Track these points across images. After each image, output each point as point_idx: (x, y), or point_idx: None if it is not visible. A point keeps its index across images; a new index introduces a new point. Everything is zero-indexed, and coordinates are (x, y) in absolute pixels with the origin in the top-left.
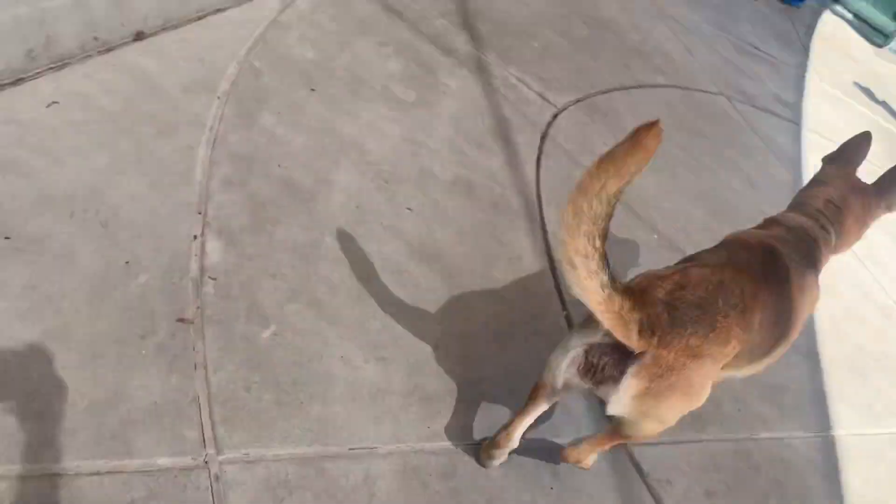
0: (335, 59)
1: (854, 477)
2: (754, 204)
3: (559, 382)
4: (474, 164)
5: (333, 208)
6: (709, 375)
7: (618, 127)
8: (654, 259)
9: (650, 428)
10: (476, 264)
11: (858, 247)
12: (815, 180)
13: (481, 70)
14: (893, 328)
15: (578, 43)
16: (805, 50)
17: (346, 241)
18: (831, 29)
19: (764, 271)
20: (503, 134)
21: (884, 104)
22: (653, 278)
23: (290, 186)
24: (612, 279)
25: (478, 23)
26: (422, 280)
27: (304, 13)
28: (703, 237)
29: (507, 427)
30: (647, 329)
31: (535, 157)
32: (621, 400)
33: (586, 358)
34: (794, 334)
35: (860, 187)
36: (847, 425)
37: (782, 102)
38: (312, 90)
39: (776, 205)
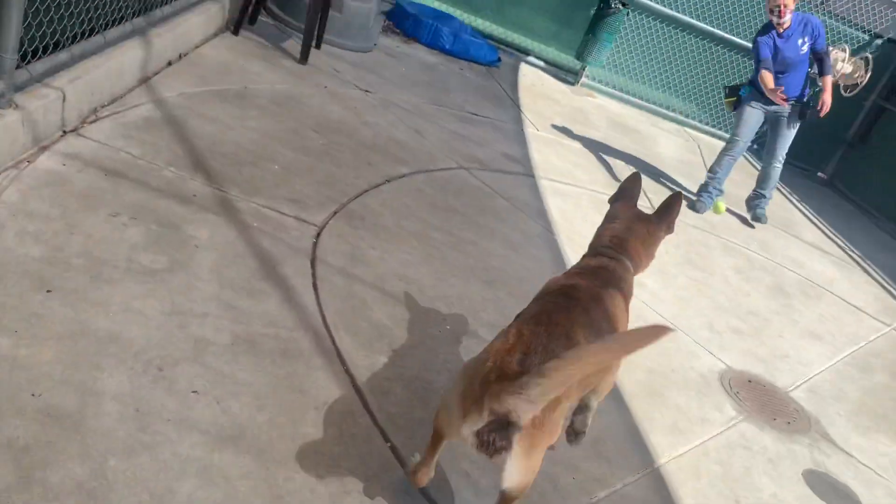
0: (66, 247)
1: (686, 499)
2: (519, 262)
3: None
4: (250, 315)
5: (110, 423)
6: (566, 409)
7: (380, 227)
8: (454, 351)
9: (530, 478)
10: (285, 427)
11: None
12: (606, 218)
13: (228, 210)
14: (670, 342)
15: (316, 154)
16: (515, 104)
17: (135, 455)
18: (530, 79)
19: (571, 300)
20: (270, 271)
21: (588, 136)
22: (502, 353)
23: (51, 416)
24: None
25: (209, 161)
26: (231, 469)
27: (16, 206)
28: (489, 312)
29: (425, 461)
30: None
31: (310, 284)
32: (515, 463)
33: (479, 438)
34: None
35: (642, 216)
36: (664, 453)
37: (512, 159)
38: (49, 291)
39: (536, 258)
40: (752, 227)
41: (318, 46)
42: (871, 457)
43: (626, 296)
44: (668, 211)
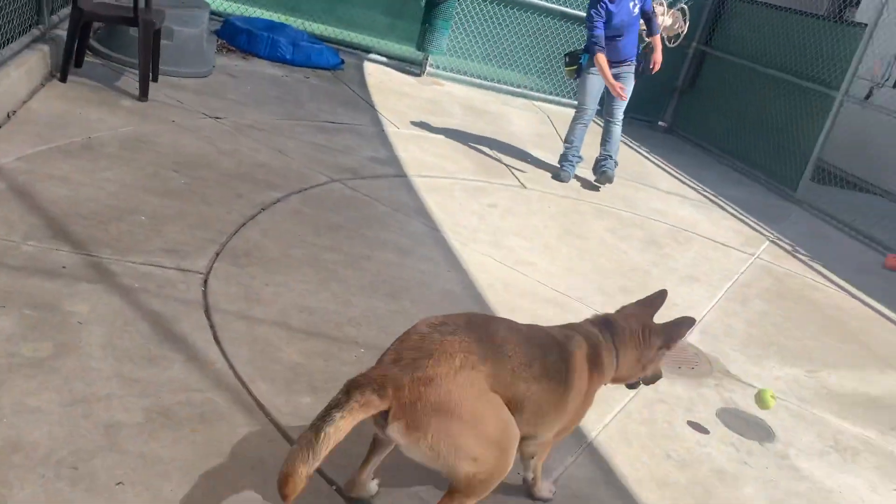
0: None
1: (623, 467)
2: (414, 267)
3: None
4: (156, 385)
5: None
6: (460, 391)
7: (268, 260)
8: None
9: (466, 467)
10: (224, 496)
11: (506, 258)
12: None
13: (104, 275)
14: (569, 314)
15: (182, 195)
16: (370, 105)
17: None
18: (377, 77)
19: (518, 324)
20: (166, 333)
21: (445, 126)
22: (392, 345)
23: None
24: (329, 417)
25: (70, 225)
26: None
27: None
28: (398, 324)
29: (362, 470)
30: (380, 390)
31: (211, 338)
32: (399, 439)
33: (375, 421)
34: (575, 382)
35: (647, 321)
36: (593, 426)
37: (380, 162)
38: None
39: (430, 259)
40: (598, 188)
41: (154, 79)
42: (768, 383)
43: (595, 358)
44: (673, 326)
